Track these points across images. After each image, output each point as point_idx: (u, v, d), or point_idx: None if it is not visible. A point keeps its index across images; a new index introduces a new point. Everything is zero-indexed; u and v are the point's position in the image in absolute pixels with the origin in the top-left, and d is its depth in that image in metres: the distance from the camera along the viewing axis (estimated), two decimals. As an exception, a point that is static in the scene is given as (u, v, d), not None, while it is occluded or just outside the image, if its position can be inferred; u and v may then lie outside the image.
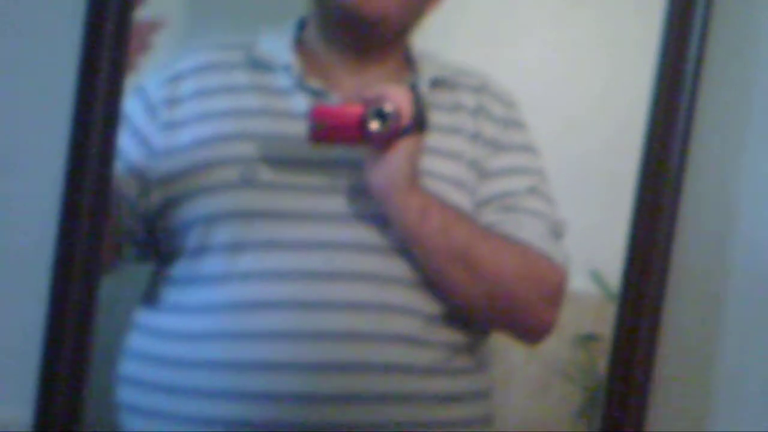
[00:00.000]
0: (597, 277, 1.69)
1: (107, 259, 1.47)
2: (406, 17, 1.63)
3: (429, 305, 1.55)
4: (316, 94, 1.59)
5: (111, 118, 1.35)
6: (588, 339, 1.72)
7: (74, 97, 1.35)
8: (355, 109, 1.50)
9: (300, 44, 1.64)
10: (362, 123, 1.49)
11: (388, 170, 1.51)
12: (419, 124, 1.51)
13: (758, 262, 1.50)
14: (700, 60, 1.42)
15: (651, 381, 1.45)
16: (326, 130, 1.50)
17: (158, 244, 1.60)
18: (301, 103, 1.58)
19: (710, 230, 1.49)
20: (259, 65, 1.63)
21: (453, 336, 1.56)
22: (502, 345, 1.65)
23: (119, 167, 1.53)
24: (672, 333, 1.46)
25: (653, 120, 1.43)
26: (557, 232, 1.63)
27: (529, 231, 1.60)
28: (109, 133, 1.35)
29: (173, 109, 1.60)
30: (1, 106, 1.37)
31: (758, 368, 1.50)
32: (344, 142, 1.52)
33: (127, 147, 1.58)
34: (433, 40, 1.68)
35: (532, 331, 1.61)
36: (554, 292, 1.60)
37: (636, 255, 1.45)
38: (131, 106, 1.59)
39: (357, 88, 1.58)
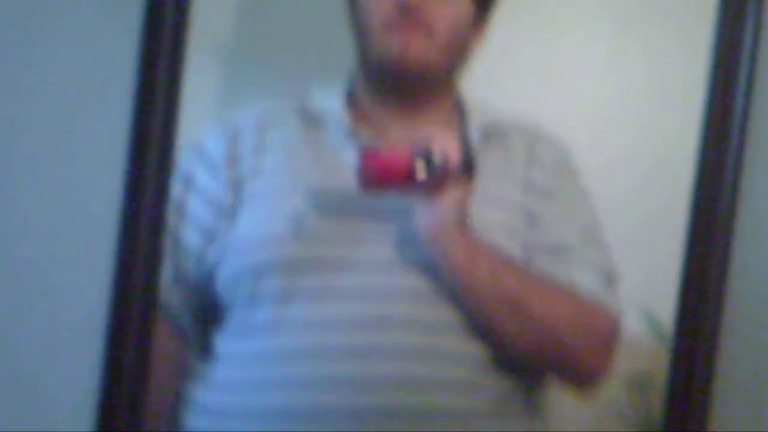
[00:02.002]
0: (650, 319, 1.68)
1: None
2: (449, 63, 1.63)
3: (480, 351, 1.54)
4: (366, 146, 1.59)
5: (164, 170, 1.37)
6: (642, 381, 1.71)
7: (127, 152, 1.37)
8: (404, 156, 1.51)
9: (350, 98, 1.66)
10: (410, 170, 1.50)
11: (436, 216, 1.52)
12: (468, 170, 1.52)
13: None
14: (748, 101, 1.41)
15: (707, 424, 1.43)
16: (375, 177, 1.51)
17: (212, 300, 1.61)
18: (352, 155, 1.58)
19: (764, 270, 1.48)
20: (311, 119, 1.64)
21: (506, 380, 1.56)
22: (557, 387, 1.64)
23: (194, 235, 1.60)
24: (727, 375, 1.45)
25: (703, 159, 1.42)
26: (610, 278, 1.62)
27: (582, 279, 1.59)
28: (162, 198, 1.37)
29: (235, 166, 1.62)
30: (58, 163, 1.39)
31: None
32: (393, 188, 1.52)
33: (199, 212, 1.61)
34: (481, 86, 1.69)
35: (584, 378, 1.60)
36: (606, 341, 1.59)
37: (688, 296, 1.43)
38: (196, 169, 1.62)
39: (406, 138, 1.58)
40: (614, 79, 1.77)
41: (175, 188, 1.58)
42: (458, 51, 1.64)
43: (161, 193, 1.37)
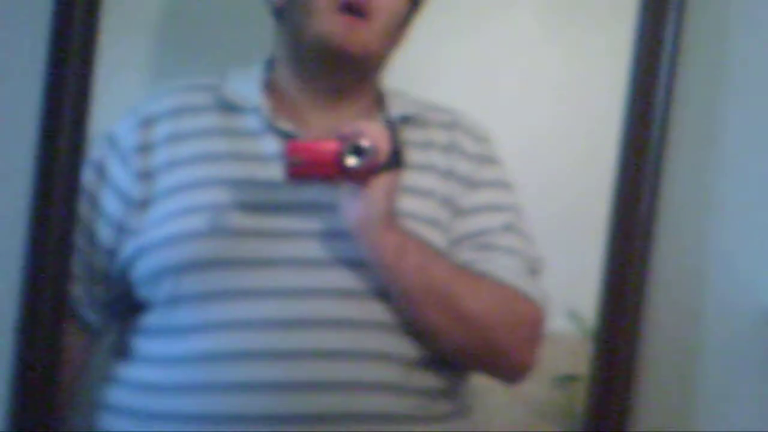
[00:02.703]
0: (575, 317, 1.67)
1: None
2: (383, 49, 1.62)
3: (408, 350, 1.52)
4: (286, 135, 1.56)
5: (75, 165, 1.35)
6: (567, 380, 1.70)
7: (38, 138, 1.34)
8: (332, 145, 1.48)
9: (269, 85, 1.62)
10: (339, 158, 1.47)
11: (364, 207, 1.49)
12: (396, 160, 1.50)
13: (732, 298, 1.50)
14: (668, 102, 1.43)
15: (628, 421, 1.43)
16: (302, 166, 1.48)
17: (128, 297, 1.57)
18: (271, 145, 1.56)
19: (684, 267, 1.49)
20: (228, 107, 1.61)
21: (433, 381, 1.54)
22: (483, 388, 1.62)
23: (100, 223, 1.56)
24: (648, 372, 1.45)
25: (624, 154, 1.43)
26: (534, 268, 1.61)
27: (506, 269, 1.57)
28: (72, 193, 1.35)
29: (146, 156, 1.58)
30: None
31: (737, 405, 1.49)
32: (320, 179, 1.50)
33: (110, 206, 1.57)
34: (404, 78, 1.68)
35: (511, 371, 1.59)
36: (533, 330, 1.58)
37: (611, 293, 1.44)
38: (107, 160, 1.59)
39: (328, 127, 1.56)
40: (536, 69, 1.77)
41: (88, 178, 1.56)
42: (392, 38, 1.62)
43: (72, 184, 1.35)
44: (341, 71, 1.61)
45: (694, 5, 1.43)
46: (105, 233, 1.57)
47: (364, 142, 1.47)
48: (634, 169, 1.42)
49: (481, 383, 1.62)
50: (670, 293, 1.46)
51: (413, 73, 1.70)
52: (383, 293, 1.51)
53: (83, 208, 1.55)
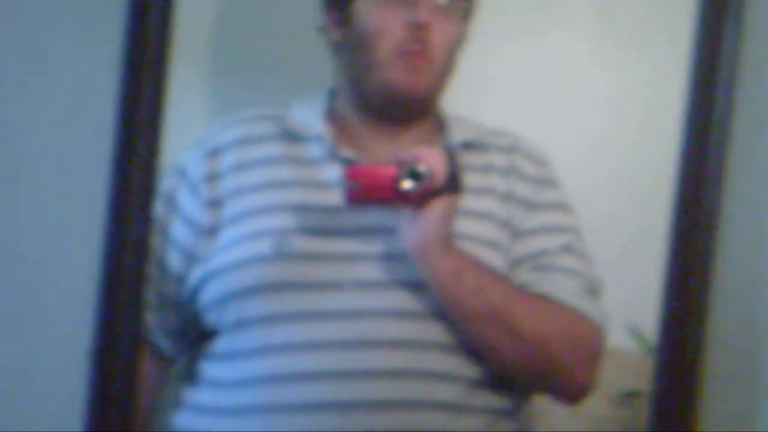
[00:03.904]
0: (635, 333, 1.67)
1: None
2: (443, 85, 1.64)
3: (469, 370, 1.53)
4: (347, 162, 1.59)
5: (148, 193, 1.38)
6: (629, 395, 1.70)
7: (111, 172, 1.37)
8: (389, 170, 1.50)
9: (331, 114, 1.65)
10: (396, 183, 1.49)
11: (422, 231, 1.50)
12: (453, 184, 1.51)
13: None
14: (728, 114, 1.42)
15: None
16: (361, 190, 1.50)
17: (198, 323, 1.60)
18: (332, 172, 1.58)
19: (745, 280, 1.47)
20: (291, 136, 1.63)
21: (494, 401, 1.55)
22: (543, 405, 1.63)
23: (170, 251, 1.60)
24: (712, 387, 1.44)
25: (684, 176, 1.43)
26: (593, 289, 1.61)
27: (565, 290, 1.58)
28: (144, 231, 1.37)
29: (214, 185, 1.61)
30: (42, 183, 1.40)
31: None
32: (379, 203, 1.52)
33: (179, 234, 1.60)
34: (460, 101, 1.69)
35: (571, 391, 1.59)
36: (592, 351, 1.58)
37: (672, 309, 1.43)
38: (177, 189, 1.62)
39: (388, 154, 1.58)
40: (597, 92, 1.77)
41: (159, 209, 1.59)
42: (449, 71, 1.64)
43: (145, 214, 1.37)
44: (404, 109, 1.63)
45: (751, 26, 1.43)
46: (175, 261, 1.60)
47: (421, 167, 1.49)
48: (693, 184, 1.42)
49: (541, 401, 1.63)
50: (732, 307, 1.44)
51: (463, 94, 1.70)
52: (443, 314, 1.53)
53: (157, 238, 1.58)
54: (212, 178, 1.61)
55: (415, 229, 1.51)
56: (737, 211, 1.45)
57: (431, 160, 1.50)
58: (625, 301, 1.64)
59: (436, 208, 1.50)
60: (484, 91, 1.77)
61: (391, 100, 1.61)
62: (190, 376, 1.61)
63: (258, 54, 1.74)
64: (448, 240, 1.52)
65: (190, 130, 1.70)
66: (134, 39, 1.35)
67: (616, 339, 1.62)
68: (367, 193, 1.50)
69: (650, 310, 1.47)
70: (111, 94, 1.37)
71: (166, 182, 1.61)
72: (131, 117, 1.35)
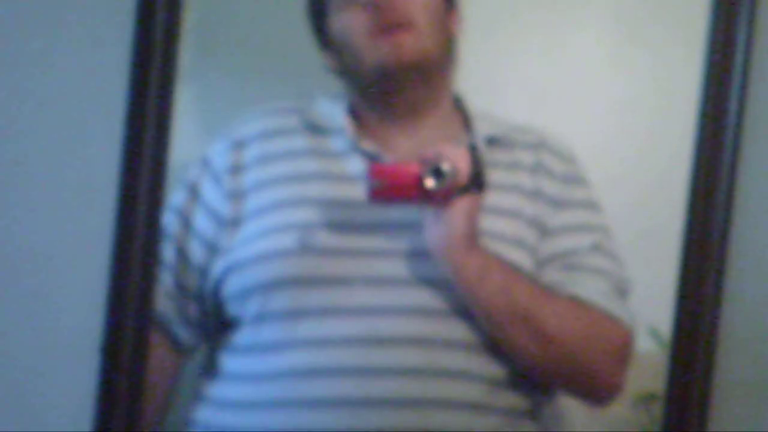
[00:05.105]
0: (655, 334, 1.66)
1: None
2: (438, 48, 1.61)
3: (490, 369, 1.53)
4: (370, 156, 1.59)
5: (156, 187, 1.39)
6: (649, 398, 1.68)
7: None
8: (413, 168, 1.50)
9: (354, 108, 1.64)
10: (419, 181, 1.49)
11: (446, 229, 1.50)
12: (477, 182, 1.50)
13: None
14: (741, 112, 1.41)
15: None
16: (384, 188, 1.50)
17: (218, 314, 1.60)
18: (356, 165, 1.58)
19: (760, 282, 1.46)
20: (315, 129, 1.63)
21: (517, 401, 1.54)
22: (563, 407, 1.62)
23: (192, 242, 1.60)
24: (725, 386, 1.43)
25: (697, 171, 1.42)
26: (622, 289, 1.60)
27: (593, 290, 1.57)
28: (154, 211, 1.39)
29: (237, 176, 1.61)
30: (51, 172, 1.42)
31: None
32: (402, 201, 1.51)
33: (202, 224, 1.60)
34: (482, 96, 1.69)
35: (600, 392, 1.58)
36: (621, 353, 1.57)
37: (685, 310, 1.42)
38: (201, 180, 1.63)
39: (411, 149, 1.58)
40: (609, 91, 1.77)
41: (181, 199, 1.61)
42: (442, 34, 1.62)
43: (155, 204, 1.38)
44: (410, 85, 1.61)
45: (764, 25, 1.42)
46: (197, 252, 1.60)
47: (444, 165, 1.48)
48: (707, 181, 1.41)
49: (561, 403, 1.62)
50: (747, 306, 1.44)
51: (480, 95, 1.70)
52: (466, 312, 1.52)
53: (177, 227, 1.60)
54: (236, 169, 1.61)
55: (439, 228, 1.50)
56: (751, 209, 1.44)
57: (455, 158, 1.50)
58: (644, 302, 1.63)
59: (460, 206, 1.50)
60: (497, 89, 1.76)
61: (389, 77, 1.59)
62: (209, 369, 1.61)
63: (269, 50, 1.75)
64: (472, 238, 1.51)
65: (200, 121, 1.71)
66: (143, 33, 1.36)
67: (637, 341, 1.60)
68: (391, 191, 1.50)
69: (665, 309, 1.46)
70: (121, 79, 1.38)
71: (190, 171, 1.62)
72: (140, 107, 1.36)
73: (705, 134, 1.41)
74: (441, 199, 1.50)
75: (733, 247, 1.42)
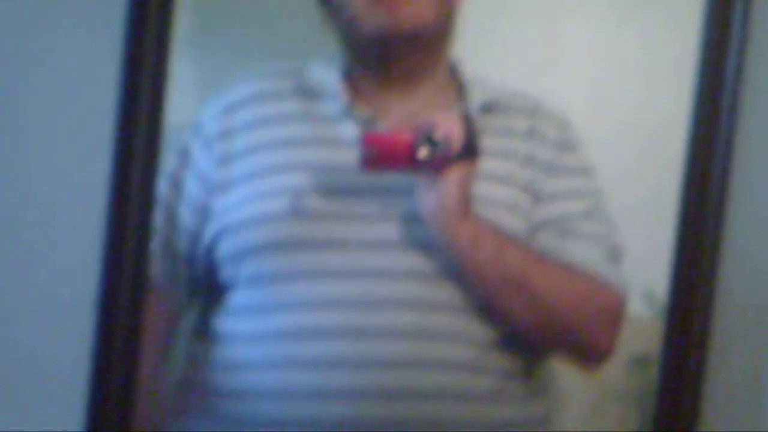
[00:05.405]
0: (649, 297, 1.66)
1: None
2: (436, 16, 1.60)
3: (482, 331, 1.53)
4: (363, 121, 1.58)
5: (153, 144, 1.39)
6: (642, 361, 1.69)
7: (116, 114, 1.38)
8: (406, 137, 1.49)
9: (348, 72, 1.64)
10: (412, 150, 1.49)
11: (439, 197, 1.50)
12: (471, 151, 1.50)
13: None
14: (739, 69, 1.41)
15: (701, 400, 1.42)
16: (377, 157, 1.50)
17: (211, 278, 1.60)
18: (349, 130, 1.58)
19: (756, 245, 1.46)
20: (308, 93, 1.63)
21: (508, 362, 1.55)
22: (555, 370, 1.63)
23: (183, 206, 1.61)
24: (720, 351, 1.44)
25: (695, 136, 1.42)
26: (615, 255, 1.61)
27: (586, 255, 1.58)
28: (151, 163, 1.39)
29: (228, 141, 1.61)
30: (46, 135, 1.41)
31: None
32: (395, 169, 1.52)
33: (192, 189, 1.61)
34: (476, 64, 1.67)
35: (591, 357, 1.59)
36: (613, 318, 1.58)
37: (681, 273, 1.43)
38: (191, 144, 1.63)
39: (404, 115, 1.58)
40: (608, 55, 1.76)
41: (172, 163, 1.61)
42: (442, 5, 1.60)
43: (151, 167, 1.37)
44: (402, 54, 1.60)
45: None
46: (187, 216, 1.61)
47: (437, 134, 1.48)
48: (704, 148, 1.41)
49: (553, 366, 1.63)
50: (744, 268, 1.44)
51: (485, 57, 1.70)
52: (457, 276, 1.52)
53: (168, 190, 1.60)
54: (227, 134, 1.61)
55: (432, 196, 1.51)
56: (749, 172, 1.43)
57: (448, 127, 1.49)
58: (638, 265, 1.63)
59: (453, 175, 1.50)
60: (494, 54, 1.75)
61: (381, 45, 1.59)
62: (202, 332, 1.61)
63: (265, 16, 1.73)
64: (465, 206, 1.51)
65: (196, 86, 1.71)
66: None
67: (631, 304, 1.60)
68: (383, 159, 1.50)
69: (663, 274, 1.47)
70: (117, 45, 1.38)
71: (181, 138, 1.62)
72: (136, 73, 1.35)
73: (702, 97, 1.41)
74: (434, 168, 1.50)
75: (731, 210, 1.42)
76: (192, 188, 1.61)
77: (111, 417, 1.37)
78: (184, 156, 1.63)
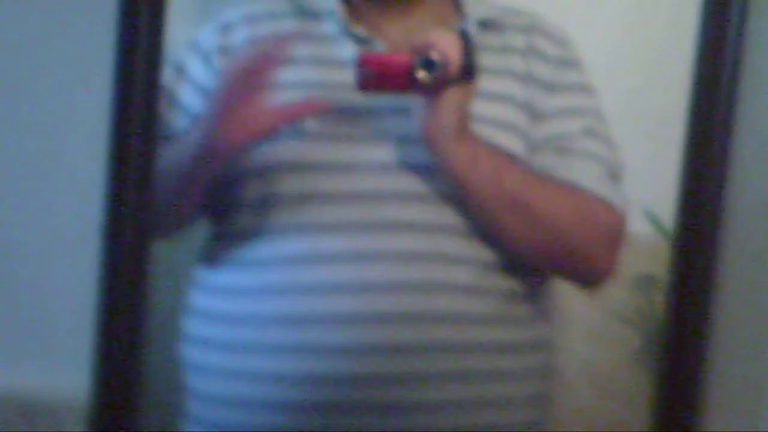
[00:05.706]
0: (652, 218, 1.65)
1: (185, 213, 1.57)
2: None
3: (483, 253, 1.52)
4: (360, 40, 1.56)
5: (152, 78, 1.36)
6: (645, 281, 1.69)
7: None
8: (403, 58, 1.47)
9: None
10: (410, 72, 1.46)
11: (436, 118, 1.48)
12: (468, 71, 1.48)
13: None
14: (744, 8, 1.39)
15: (708, 321, 1.41)
16: (374, 78, 1.48)
17: (214, 198, 1.59)
18: (346, 50, 1.56)
19: (763, 165, 1.45)
20: (305, 13, 1.61)
21: (510, 284, 1.54)
22: (559, 290, 1.62)
23: (183, 122, 1.58)
24: (729, 271, 1.42)
25: (701, 53, 1.40)
26: (615, 174, 1.59)
27: (585, 174, 1.56)
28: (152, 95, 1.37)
29: (226, 58, 1.59)
30: (46, 61, 1.39)
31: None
32: (392, 91, 1.50)
33: (189, 99, 1.59)
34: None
35: (591, 277, 1.58)
36: (613, 236, 1.56)
37: (688, 193, 1.41)
38: (188, 59, 1.61)
39: (402, 34, 1.56)
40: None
41: (166, 77, 1.56)
42: None
43: (151, 88, 1.36)
44: None
45: None
46: (182, 125, 1.59)
47: (435, 55, 1.46)
48: (711, 67, 1.38)
49: (558, 286, 1.62)
50: (750, 193, 1.42)
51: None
52: (457, 197, 1.51)
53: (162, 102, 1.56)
54: (225, 50, 1.60)
55: (429, 117, 1.49)
56: (756, 92, 1.41)
57: (445, 47, 1.47)
58: (642, 185, 1.62)
59: (451, 95, 1.47)
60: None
61: None
62: (207, 257, 1.60)
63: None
64: (463, 127, 1.49)
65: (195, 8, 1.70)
66: None
67: (633, 224, 1.59)
68: (380, 80, 1.48)
69: (667, 194, 1.45)
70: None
71: (175, 55, 1.60)
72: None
73: (709, 14, 1.39)
74: (431, 89, 1.48)
75: (738, 130, 1.40)
76: (189, 99, 1.60)
77: (118, 357, 1.36)
78: (179, 70, 1.61)
